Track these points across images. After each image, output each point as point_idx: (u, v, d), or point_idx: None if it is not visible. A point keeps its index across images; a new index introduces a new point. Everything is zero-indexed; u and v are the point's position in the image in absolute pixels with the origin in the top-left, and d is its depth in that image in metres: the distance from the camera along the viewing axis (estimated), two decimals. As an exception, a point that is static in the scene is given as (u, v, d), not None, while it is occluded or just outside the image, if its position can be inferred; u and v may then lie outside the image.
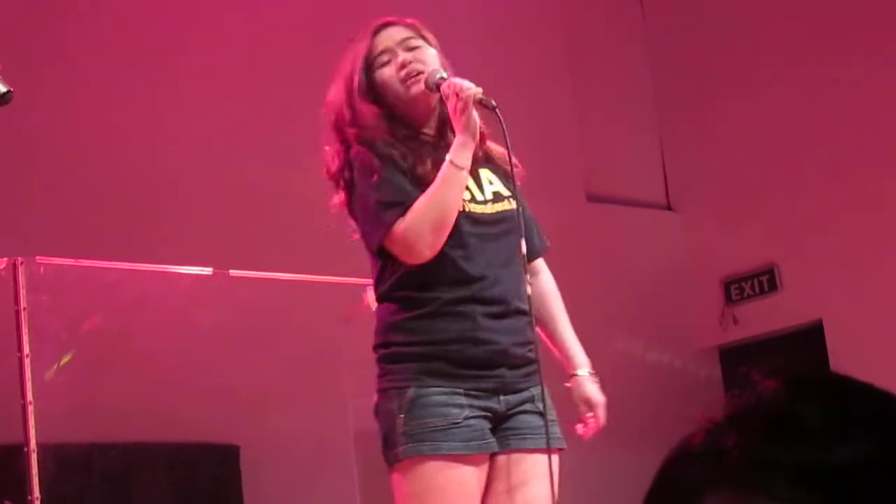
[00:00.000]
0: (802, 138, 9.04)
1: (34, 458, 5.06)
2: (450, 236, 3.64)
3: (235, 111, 7.67)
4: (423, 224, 3.57)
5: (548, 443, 3.70)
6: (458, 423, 3.56)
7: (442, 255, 3.64)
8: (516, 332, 3.69)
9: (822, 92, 8.95)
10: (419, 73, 3.72)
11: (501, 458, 3.68)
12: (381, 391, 3.68)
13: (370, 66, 3.78)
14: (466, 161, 3.62)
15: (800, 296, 8.98)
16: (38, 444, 5.09)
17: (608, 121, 9.78)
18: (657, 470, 1.04)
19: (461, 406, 3.58)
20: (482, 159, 3.83)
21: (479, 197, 3.75)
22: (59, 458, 5.75)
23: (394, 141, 3.72)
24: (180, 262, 6.69)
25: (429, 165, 3.68)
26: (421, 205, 3.59)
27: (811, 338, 8.77)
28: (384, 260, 3.72)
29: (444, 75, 3.71)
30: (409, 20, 3.87)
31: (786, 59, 9.17)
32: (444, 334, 3.62)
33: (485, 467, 3.64)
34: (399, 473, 3.62)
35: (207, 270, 6.67)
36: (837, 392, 1.01)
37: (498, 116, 3.66)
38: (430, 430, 3.55)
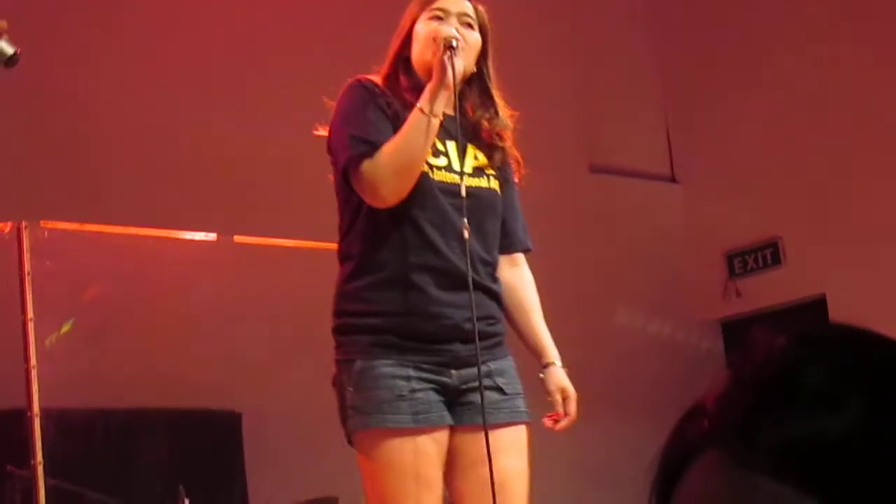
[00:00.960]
0: (808, 112, 9.02)
1: (37, 422, 5.07)
2: (418, 198, 3.63)
3: (241, 77, 7.66)
4: (387, 167, 3.55)
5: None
6: (403, 395, 3.53)
7: (403, 214, 3.62)
8: (475, 306, 3.61)
9: (827, 66, 8.93)
10: (445, 28, 3.71)
11: (461, 435, 3.64)
12: (336, 363, 3.67)
13: (421, 13, 3.80)
14: (436, 108, 3.58)
15: (803, 270, 8.98)
16: (40, 408, 5.10)
17: (612, 91, 9.76)
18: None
19: (408, 378, 3.55)
20: (477, 135, 3.82)
21: (455, 167, 3.72)
22: (61, 423, 5.77)
23: (389, 90, 3.75)
24: (184, 227, 6.69)
25: None
26: (387, 148, 3.58)
27: (814, 312, 8.77)
28: (347, 198, 3.71)
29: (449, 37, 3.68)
30: (477, 1, 3.88)
31: (792, 32, 9.15)
32: (395, 306, 3.60)
33: (442, 440, 3.60)
34: (356, 447, 3.62)
35: (211, 236, 6.67)
36: (848, 350, 0.97)
37: (452, 60, 3.61)
38: (375, 403, 3.53)
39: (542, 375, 3.82)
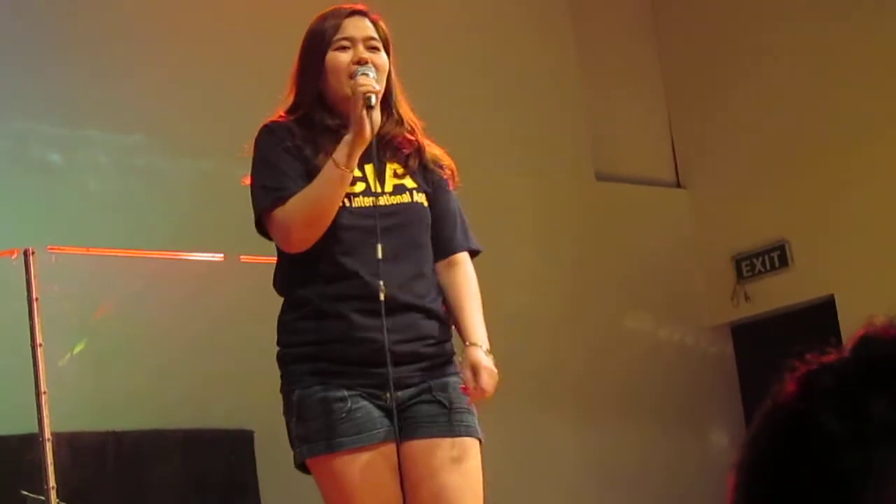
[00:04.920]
0: (812, 113, 9.02)
1: (49, 447, 5.07)
2: (332, 231, 3.63)
3: (248, 93, 7.67)
4: (297, 217, 3.61)
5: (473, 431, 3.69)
6: (342, 418, 3.55)
7: (319, 250, 3.64)
8: (405, 328, 3.64)
9: (832, 66, 8.93)
10: (365, 81, 3.65)
11: (405, 451, 3.61)
12: (281, 394, 3.74)
13: (328, 44, 3.76)
14: (350, 160, 3.58)
15: (811, 271, 8.97)
16: (52, 433, 5.10)
17: (617, 99, 9.76)
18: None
19: (343, 400, 3.56)
20: (391, 148, 3.79)
21: (375, 189, 3.70)
22: (73, 447, 5.77)
23: (300, 129, 3.73)
24: (191, 248, 6.69)
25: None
26: (297, 198, 3.62)
27: (823, 313, 8.75)
28: (274, 243, 3.78)
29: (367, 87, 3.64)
30: (375, 16, 3.85)
31: (795, 33, 9.15)
32: (324, 335, 3.63)
33: (390, 454, 3.58)
34: (313, 475, 3.66)
35: (218, 256, 6.67)
36: None
37: (370, 116, 3.57)
38: (315, 430, 3.57)
39: (460, 359, 3.74)
